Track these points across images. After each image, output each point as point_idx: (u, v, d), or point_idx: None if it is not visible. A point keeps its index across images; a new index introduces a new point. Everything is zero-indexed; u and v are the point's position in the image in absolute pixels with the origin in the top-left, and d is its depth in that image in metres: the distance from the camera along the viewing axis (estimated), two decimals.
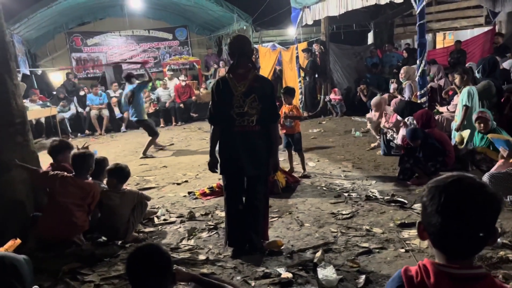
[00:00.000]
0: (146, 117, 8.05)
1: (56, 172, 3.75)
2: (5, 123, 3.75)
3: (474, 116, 4.72)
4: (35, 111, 9.81)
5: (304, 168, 5.65)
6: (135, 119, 7.95)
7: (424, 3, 5.96)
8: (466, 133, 5.05)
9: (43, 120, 10.74)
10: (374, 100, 7.12)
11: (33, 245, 3.50)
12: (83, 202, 3.67)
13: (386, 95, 7.54)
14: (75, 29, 15.03)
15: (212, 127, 3.39)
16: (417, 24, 6.17)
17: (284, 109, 5.58)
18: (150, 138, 7.86)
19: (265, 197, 3.53)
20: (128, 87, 7.97)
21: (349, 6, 7.75)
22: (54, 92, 12.36)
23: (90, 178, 4.02)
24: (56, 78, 14.28)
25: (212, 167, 3.46)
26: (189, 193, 5.21)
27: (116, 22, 15.19)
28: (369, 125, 7.40)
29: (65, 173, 3.76)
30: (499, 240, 3.20)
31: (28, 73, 12.62)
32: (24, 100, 9.69)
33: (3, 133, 3.75)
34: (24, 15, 11.52)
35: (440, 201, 1.08)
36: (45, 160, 4.41)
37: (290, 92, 5.69)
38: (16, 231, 3.42)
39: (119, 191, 3.87)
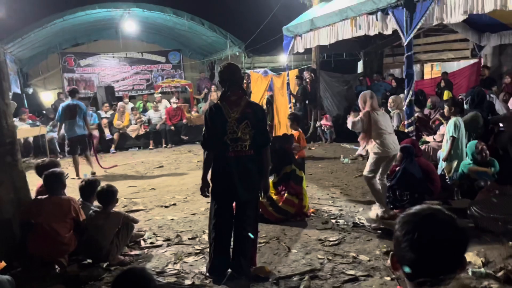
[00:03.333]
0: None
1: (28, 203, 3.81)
2: None
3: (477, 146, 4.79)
4: (24, 130, 9.78)
5: None
6: (85, 132, 7.82)
7: (411, 35, 6.15)
8: (455, 163, 5.11)
9: (31, 139, 10.67)
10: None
11: (18, 265, 3.46)
12: (66, 218, 3.67)
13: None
14: (68, 50, 15.13)
15: (206, 152, 3.43)
16: (405, 55, 6.36)
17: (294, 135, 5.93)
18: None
19: (255, 222, 3.55)
20: (71, 101, 7.79)
21: (339, 36, 7.94)
22: (44, 112, 12.34)
23: (80, 200, 4.08)
24: (47, 97, 14.29)
25: (203, 191, 3.49)
26: None
27: (110, 44, 15.36)
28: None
29: (38, 197, 3.80)
30: (482, 269, 3.24)
31: (19, 92, 12.62)
32: (13, 119, 9.70)
33: None
34: (18, 34, 11.59)
35: (414, 238, 1.13)
36: (31, 180, 4.40)
37: (297, 118, 6.12)
38: (2, 252, 3.38)
39: (105, 212, 3.87)
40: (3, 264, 2.65)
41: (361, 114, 4.77)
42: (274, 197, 4.85)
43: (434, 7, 5.86)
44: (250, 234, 3.42)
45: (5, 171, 3.82)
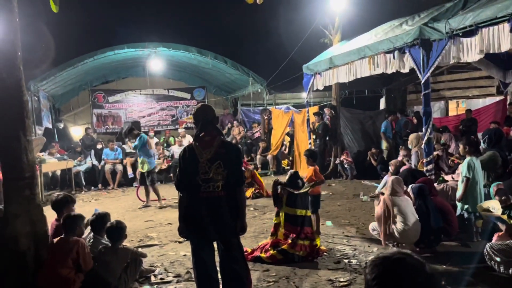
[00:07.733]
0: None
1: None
2: (15, 176, 3.93)
3: (493, 189, 4.62)
4: (52, 163, 10.12)
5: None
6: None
7: (428, 73, 6.17)
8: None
9: (58, 172, 11.03)
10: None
11: None
12: (67, 258, 3.71)
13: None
14: (98, 87, 15.80)
15: (180, 194, 3.44)
16: (422, 93, 6.36)
17: (308, 171, 5.75)
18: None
19: (244, 261, 3.51)
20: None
21: (358, 74, 8.02)
22: (72, 145, 12.77)
23: (92, 234, 4.18)
24: (77, 132, 14.84)
25: (181, 232, 3.46)
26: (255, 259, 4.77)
27: (138, 81, 15.96)
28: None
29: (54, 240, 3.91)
30: None
31: (51, 127, 13.19)
32: (42, 153, 10.08)
33: (13, 186, 3.93)
34: (52, 73, 12.26)
35: (382, 282, 1.13)
36: (52, 214, 4.54)
37: (312, 155, 5.98)
38: (16, 284, 3.46)
39: (113, 248, 3.93)
40: None
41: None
42: (283, 246, 4.74)
43: (451, 46, 5.88)
44: (239, 272, 3.37)
45: (23, 204, 3.95)
